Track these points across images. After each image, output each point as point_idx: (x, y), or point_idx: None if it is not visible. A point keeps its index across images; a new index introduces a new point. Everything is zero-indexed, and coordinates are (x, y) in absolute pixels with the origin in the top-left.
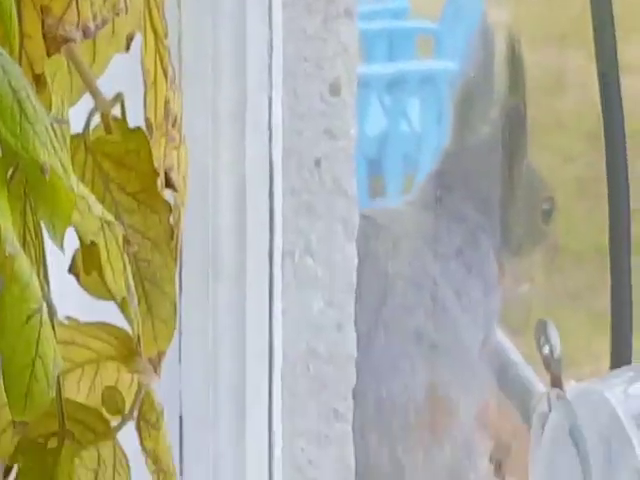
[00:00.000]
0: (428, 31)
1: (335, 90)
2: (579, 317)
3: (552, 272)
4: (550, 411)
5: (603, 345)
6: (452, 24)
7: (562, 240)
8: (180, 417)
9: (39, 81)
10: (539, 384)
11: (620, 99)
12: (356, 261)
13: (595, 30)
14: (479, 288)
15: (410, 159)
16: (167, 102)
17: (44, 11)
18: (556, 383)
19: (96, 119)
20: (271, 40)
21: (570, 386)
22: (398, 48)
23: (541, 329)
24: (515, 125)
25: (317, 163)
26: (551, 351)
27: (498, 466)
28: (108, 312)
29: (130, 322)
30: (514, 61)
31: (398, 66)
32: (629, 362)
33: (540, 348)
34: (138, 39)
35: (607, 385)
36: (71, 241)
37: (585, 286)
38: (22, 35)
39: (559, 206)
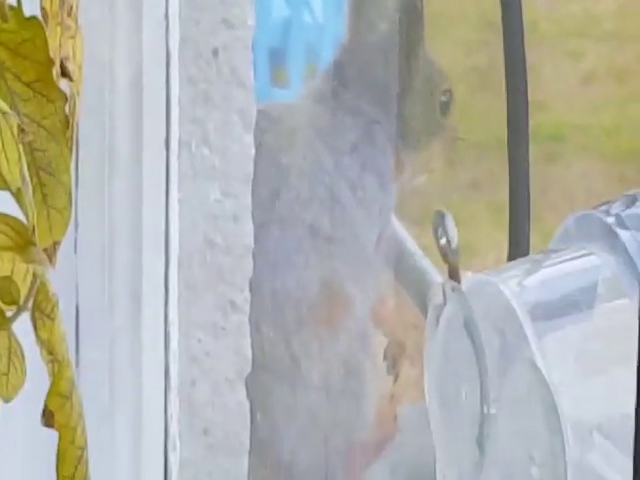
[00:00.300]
0: None
1: None
2: (479, 208)
3: (451, 164)
4: (445, 303)
5: (502, 237)
6: None
7: (462, 132)
8: (76, 307)
9: None
10: (436, 275)
11: None
12: (253, 152)
13: None
14: (374, 183)
15: (313, 50)
16: None
17: None
18: (453, 274)
19: None
20: None
21: (466, 277)
22: None
23: (439, 220)
24: (412, 18)
25: (215, 53)
26: (448, 242)
27: (392, 363)
28: (3, 202)
29: (25, 212)
30: None
31: None
32: (527, 254)
33: (438, 239)
34: None
35: (502, 277)
36: None
37: (485, 178)
38: None
39: (458, 97)
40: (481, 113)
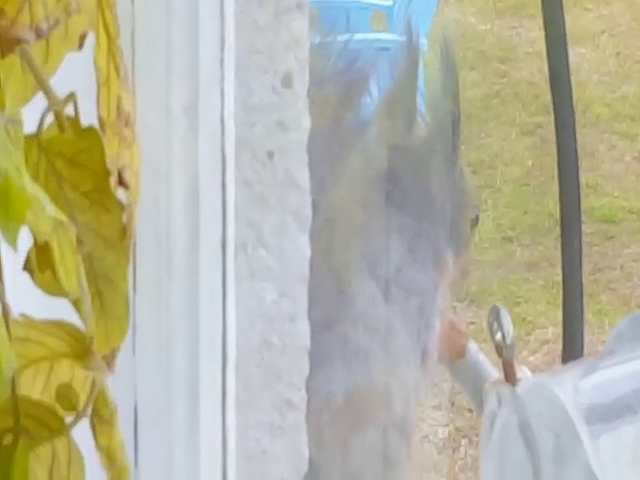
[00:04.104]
0: (382, 8)
1: (287, 82)
2: (535, 287)
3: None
4: (500, 407)
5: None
6: (406, 3)
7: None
8: (135, 408)
9: None
10: (492, 369)
11: (568, 70)
12: (309, 252)
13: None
14: (416, 305)
15: None
16: (120, 100)
17: None
18: (508, 371)
19: (49, 118)
20: (223, 33)
21: (521, 371)
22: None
23: (494, 315)
24: (450, 130)
25: (270, 155)
26: (504, 337)
27: None
28: (63, 309)
29: (84, 321)
30: (448, 66)
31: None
32: (581, 331)
33: (493, 334)
34: (91, 37)
35: (557, 380)
36: (26, 237)
37: (540, 258)
38: None
39: (513, 178)
40: (536, 194)
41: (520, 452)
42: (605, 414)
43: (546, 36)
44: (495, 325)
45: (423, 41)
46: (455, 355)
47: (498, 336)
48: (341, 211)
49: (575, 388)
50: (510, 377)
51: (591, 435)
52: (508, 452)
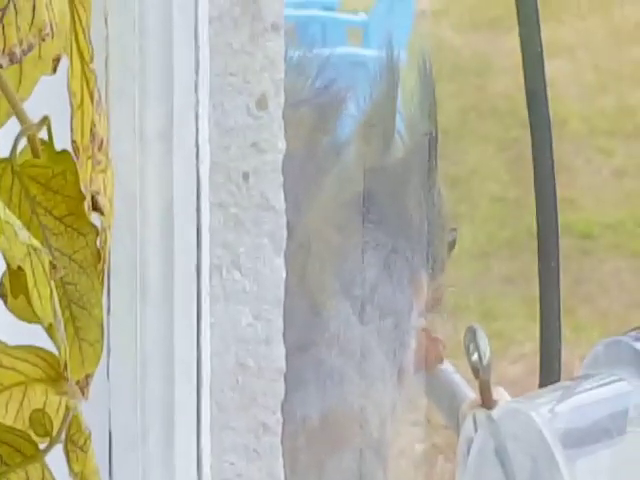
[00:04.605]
0: (358, 23)
1: (262, 104)
2: (514, 302)
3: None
4: (476, 431)
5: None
6: (382, 17)
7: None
8: (109, 434)
9: None
10: (468, 390)
11: (545, 84)
12: (284, 275)
13: (519, 12)
14: (392, 324)
15: None
16: (93, 125)
17: None
18: (484, 392)
19: (23, 142)
20: (197, 56)
21: (498, 392)
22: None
23: (470, 335)
24: (427, 151)
25: (245, 177)
26: (480, 358)
27: None
28: (37, 334)
29: (57, 346)
30: (425, 86)
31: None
32: (558, 346)
33: (469, 355)
34: (64, 61)
35: (533, 404)
36: None
37: (518, 272)
38: None
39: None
40: (513, 208)
41: (497, 476)
42: (582, 438)
43: (522, 50)
44: (472, 346)
45: (402, 55)
46: (432, 363)
47: (475, 357)
48: (316, 234)
49: (552, 412)
50: (486, 399)
51: (568, 459)
52: (484, 476)
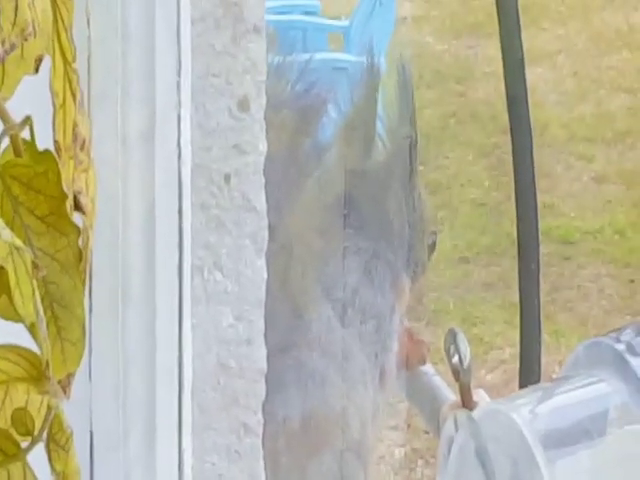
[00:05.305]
0: (339, 28)
1: (244, 106)
2: (493, 307)
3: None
4: (456, 432)
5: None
6: (363, 23)
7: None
8: (91, 433)
9: None
10: (449, 392)
11: (526, 91)
12: (265, 276)
13: (499, 19)
14: (373, 327)
15: None
16: (76, 125)
17: None
18: (464, 394)
19: (5, 142)
20: (179, 58)
21: (478, 395)
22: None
23: (451, 338)
24: (407, 155)
25: (226, 179)
26: (460, 360)
27: None
28: (19, 333)
29: (39, 346)
30: (405, 90)
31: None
32: (538, 351)
33: (449, 358)
34: (47, 61)
35: (514, 405)
36: None
37: (497, 278)
38: None
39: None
40: (493, 214)
41: (477, 477)
42: (562, 439)
43: (503, 57)
44: (452, 348)
45: (382, 60)
46: (413, 364)
47: (455, 360)
48: (298, 236)
49: (532, 413)
50: (467, 401)
51: (548, 460)
52: (465, 476)
